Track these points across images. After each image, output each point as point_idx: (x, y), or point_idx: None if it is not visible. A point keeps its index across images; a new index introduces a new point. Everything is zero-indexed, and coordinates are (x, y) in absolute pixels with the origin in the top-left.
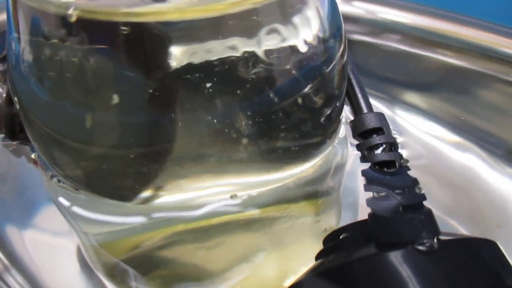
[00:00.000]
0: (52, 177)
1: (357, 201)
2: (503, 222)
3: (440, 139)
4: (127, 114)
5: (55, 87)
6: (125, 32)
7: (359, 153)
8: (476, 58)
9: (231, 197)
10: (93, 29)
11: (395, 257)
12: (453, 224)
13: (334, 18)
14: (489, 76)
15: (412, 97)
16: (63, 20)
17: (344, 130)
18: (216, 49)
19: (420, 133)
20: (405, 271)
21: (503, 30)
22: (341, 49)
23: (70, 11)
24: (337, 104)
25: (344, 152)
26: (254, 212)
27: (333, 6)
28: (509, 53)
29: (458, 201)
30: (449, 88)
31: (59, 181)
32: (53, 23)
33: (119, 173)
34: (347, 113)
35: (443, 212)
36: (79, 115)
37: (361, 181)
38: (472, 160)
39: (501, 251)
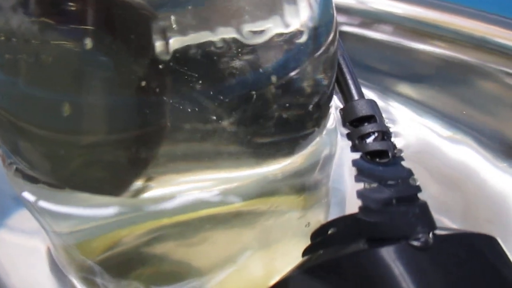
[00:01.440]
0: (10, 164)
1: (345, 195)
2: (495, 217)
3: (433, 131)
4: (97, 99)
5: (10, 67)
6: (94, 7)
7: (347, 143)
8: (469, 49)
9: (201, 190)
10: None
11: (388, 253)
12: (444, 218)
13: (325, 3)
14: (482, 67)
15: (404, 88)
16: None
17: (333, 121)
18: (194, 31)
19: (412, 124)
20: (398, 268)
21: (498, 19)
22: (331, 35)
23: None
24: (326, 92)
25: (333, 143)
26: (236, 205)
27: None
28: (503, 44)
29: (450, 194)
30: (442, 80)
31: (17, 169)
32: None
33: (91, 164)
34: (337, 102)
35: (434, 206)
36: (39, 98)
37: (349, 173)
38: (465, 153)
39: (501, 247)
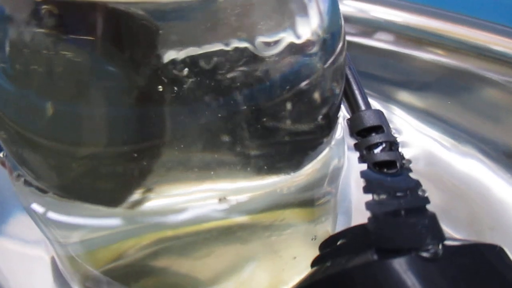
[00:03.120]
0: (18, 176)
1: (351, 204)
2: (496, 224)
3: (435, 140)
4: (103, 110)
5: (21, 78)
6: (105, 17)
7: (354, 153)
8: (471, 57)
9: (220, 200)
10: (66, 12)
11: (398, 265)
12: (448, 227)
13: (334, 12)
14: (483, 76)
15: (407, 96)
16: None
17: (341, 131)
18: (206, 40)
19: (414, 133)
20: (409, 280)
21: (498, 28)
22: (340, 46)
23: None
24: (335, 102)
25: (341, 154)
26: (244, 218)
27: (334, 1)
28: (504, 52)
29: (452, 203)
30: (443, 88)
31: (25, 181)
32: (16, 3)
33: (95, 175)
34: (344, 113)
35: (438, 215)
36: (50, 110)
37: (355, 183)
38: (467, 162)
39: (507, 256)
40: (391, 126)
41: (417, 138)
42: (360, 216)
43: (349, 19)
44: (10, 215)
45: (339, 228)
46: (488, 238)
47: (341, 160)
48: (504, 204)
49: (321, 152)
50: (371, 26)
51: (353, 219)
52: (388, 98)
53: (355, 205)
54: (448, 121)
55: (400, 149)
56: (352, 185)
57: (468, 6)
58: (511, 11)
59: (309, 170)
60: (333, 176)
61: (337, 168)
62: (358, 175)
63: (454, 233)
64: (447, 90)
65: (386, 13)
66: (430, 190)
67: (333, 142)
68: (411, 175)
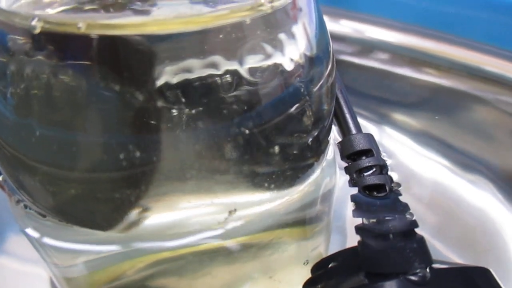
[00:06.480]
0: (18, 202)
1: (346, 224)
2: (490, 246)
3: (429, 159)
4: (100, 135)
5: (20, 106)
6: (100, 47)
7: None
8: (462, 77)
9: (230, 212)
10: (62, 43)
11: None
12: (440, 248)
13: (322, 36)
14: (477, 96)
15: (399, 116)
16: (28, 33)
17: (332, 152)
18: (197, 67)
19: (407, 154)
20: None
21: (491, 49)
22: (329, 68)
23: (33, 22)
24: (325, 125)
25: (332, 174)
26: (239, 239)
27: (321, 24)
28: (497, 73)
29: (446, 225)
30: (437, 109)
31: (25, 206)
32: (17, 35)
33: (93, 199)
34: (335, 134)
35: (430, 236)
36: (47, 136)
37: (350, 203)
38: (460, 183)
39: (495, 279)
40: (384, 145)
41: (410, 159)
42: (356, 236)
43: (344, 39)
44: (9, 233)
45: (334, 247)
46: (483, 259)
47: (332, 179)
48: (498, 225)
49: (312, 173)
50: (366, 46)
51: (348, 238)
52: (382, 118)
53: (351, 225)
54: (441, 141)
55: (389, 173)
56: (348, 205)
57: (461, 27)
58: (503, 32)
59: (300, 190)
60: (324, 195)
61: (328, 188)
62: None
63: (448, 254)
64: (441, 110)
65: (381, 34)
66: (423, 212)
67: (324, 163)
68: (401, 198)
